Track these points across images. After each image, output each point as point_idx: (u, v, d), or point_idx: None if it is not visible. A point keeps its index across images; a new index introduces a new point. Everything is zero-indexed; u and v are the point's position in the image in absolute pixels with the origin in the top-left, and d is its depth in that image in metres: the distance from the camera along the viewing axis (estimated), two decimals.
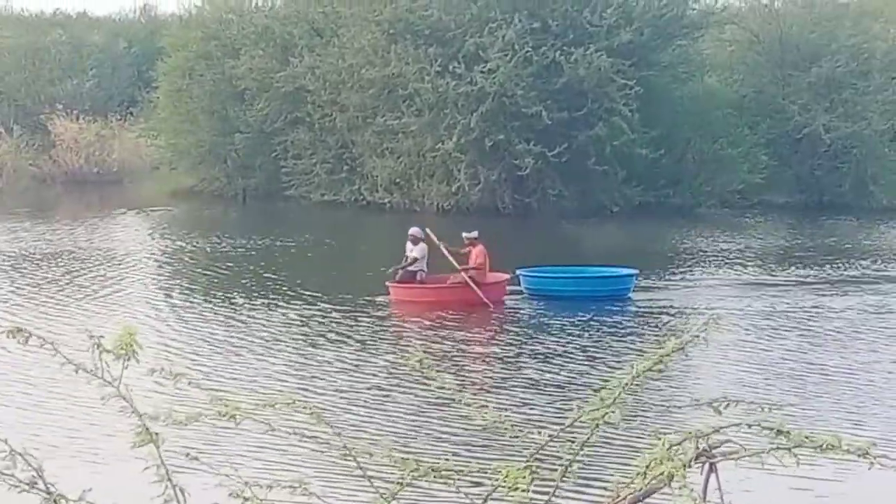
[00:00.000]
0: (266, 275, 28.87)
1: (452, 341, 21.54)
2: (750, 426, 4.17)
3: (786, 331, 22.54)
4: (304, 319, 23.15)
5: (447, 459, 4.35)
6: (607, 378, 4.32)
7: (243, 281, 28.23)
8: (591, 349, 20.71)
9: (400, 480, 4.22)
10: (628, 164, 42.97)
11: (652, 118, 43.11)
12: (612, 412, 4.21)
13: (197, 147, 51.34)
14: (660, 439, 4.07)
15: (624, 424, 4.61)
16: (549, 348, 20.84)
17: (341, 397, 17.13)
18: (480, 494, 4.31)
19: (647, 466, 4.03)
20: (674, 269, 30.44)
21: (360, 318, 23.30)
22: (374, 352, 20.38)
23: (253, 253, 33.12)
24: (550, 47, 42.23)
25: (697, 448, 4.18)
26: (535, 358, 20.07)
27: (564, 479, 4.27)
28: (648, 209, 43.12)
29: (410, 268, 25.39)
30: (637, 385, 4.28)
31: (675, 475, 3.95)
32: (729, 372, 18.94)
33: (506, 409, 14.97)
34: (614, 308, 24.89)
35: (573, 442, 4.27)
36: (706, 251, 34.34)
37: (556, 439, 4.32)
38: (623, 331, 22.83)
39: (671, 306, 24.92)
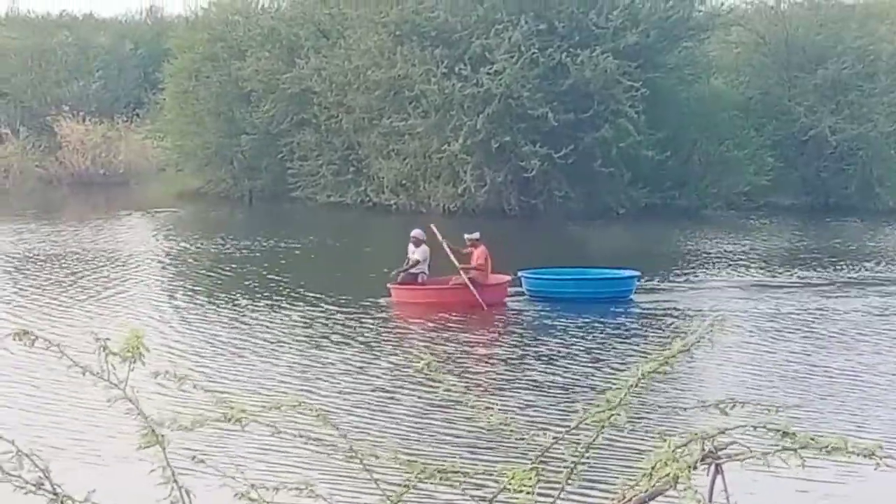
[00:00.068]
0: (270, 276, 28.86)
1: (456, 343, 21.53)
2: (755, 428, 4.16)
3: (790, 332, 22.52)
4: (307, 321, 23.15)
5: (451, 461, 4.35)
6: (612, 380, 4.32)
7: (247, 282, 28.22)
8: (596, 351, 20.70)
9: (406, 483, 4.22)
10: (634, 166, 42.97)
11: (658, 120, 43.08)
12: (618, 414, 4.20)
13: (203, 148, 51.35)
14: (665, 441, 4.07)
15: (629, 426, 4.60)
16: (552, 350, 20.83)
17: (345, 399, 17.12)
18: (485, 497, 4.31)
19: (652, 468, 4.03)
20: (679, 270, 30.41)
21: (364, 320, 23.29)
22: (377, 353, 20.37)
23: (257, 254, 33.12)
24: (557, 49, 42.23)
25: (703, 449, 4.18)
26: (539, 360, 20.06)
27: (570, 480, 4.27)
28: (654, 211, 43.11)
29: (412, 270, 25.41)
30: (642, 387, 4.27)
31: (680, 476, 3.94)
32: (733, 374, 18.92)
33: (510, 412, 14.96)
34: (618, 310, 24.87)
35: (578, 444, 4.27)
36: (711, 253, 34.32)
37: (561, 441, 4.32)
38: (627, 332, 22.82)
39: (676, 308, 24.89)
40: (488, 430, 4.53)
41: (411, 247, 25.65)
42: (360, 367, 19.19)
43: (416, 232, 25.75)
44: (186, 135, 51.92)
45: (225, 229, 39.37)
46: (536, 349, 21.07)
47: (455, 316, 23.86)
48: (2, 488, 3.86)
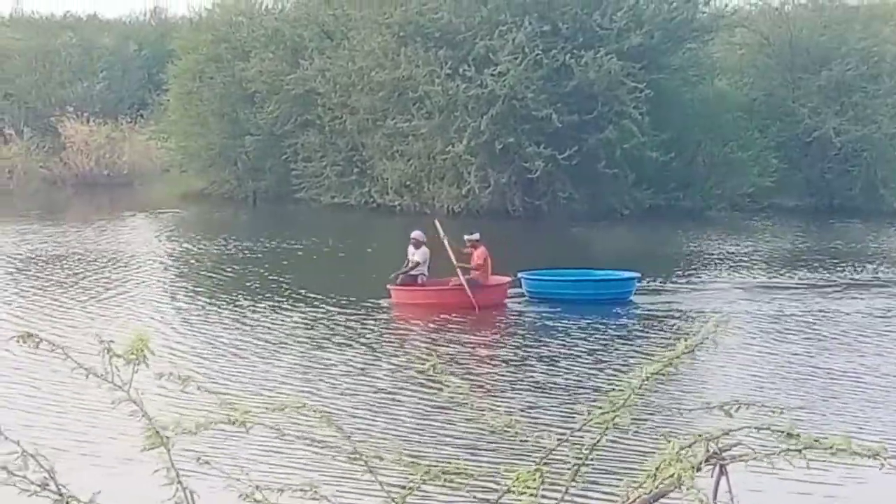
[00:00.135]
0: (272, 277, 28.87)
1: (458, 344, 21.54)
2: (759, 429, 4.16)
3: (793, 334, 22.52)
4: (309, 322, 23.15)
5: (453, 463, 4.34)
6: (615, 381, 4.31)
7: (249, 283, 28.22)
8: (599, 352, 20.70)
9: (410, 484, 4.22)
10: (638, 168, 42.97)
11: (662, 121, 43.10)
12: (622, 415, 4.20)
13: (207, 150, 51.38)
14: (669, 442, 4.07)
15: (632, 427, 4.60)
16: (554, 351, 20.83)
17: (347, 400, 17.12)
18: (489, 498, 4.31)
19: (656, 468, 4.03)
20: (682, 271, 30.39)
21: (366, 322, 23.30)
22: (380, 355, 20.38)
23: (260, 255, 33.13)
24: (560, 50, 42.24)
25: (708, 450, 4.17)
26: (542, 361, 20.05)
27: (574, 482, 4.27)
28: (658, 212, 43.11)
29: (412, 272, 25.40)
30: (646, 388, 4.27)
31: (684, 477, 3.94)
32: (735, 375, 18.90)
33: (513, 413, 14.96)
34: (621, 311, 24.87)
35: (582, 445, 4.27)
36: (715, 254, 34.32)
37: (565, 442, 4.32)
38: (630, 334, 22.81)
39: (679, 309, 24.89)
40: (492, 432, 4.52)
41: (411, 248, 25.65)
42: (362, 369, 19.19)
43: (416, 233, 25.74)
44: (190, 136, 51.96)
45: (228, 230, 39.39)
46: (538, 350, 21.07)
47: (456, 317, 23.86)
48: (7, 489, 3.86)
